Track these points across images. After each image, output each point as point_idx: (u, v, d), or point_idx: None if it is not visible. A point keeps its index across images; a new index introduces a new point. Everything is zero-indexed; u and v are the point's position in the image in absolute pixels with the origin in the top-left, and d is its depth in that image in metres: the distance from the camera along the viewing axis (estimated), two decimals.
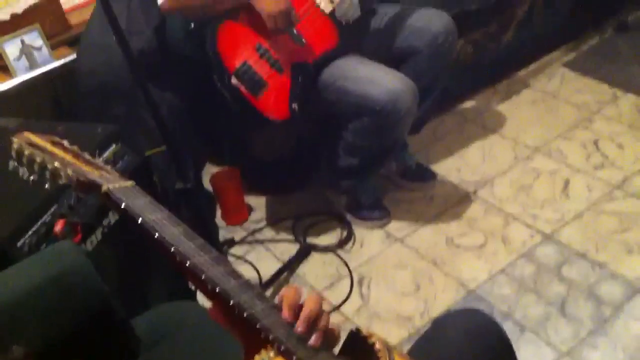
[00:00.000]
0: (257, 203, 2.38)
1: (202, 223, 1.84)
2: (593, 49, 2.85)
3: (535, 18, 2.72)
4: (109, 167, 0.96)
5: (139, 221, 0.84)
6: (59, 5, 2.18)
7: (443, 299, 1.92)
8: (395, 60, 2.18)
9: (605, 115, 2.51)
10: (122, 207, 0.85)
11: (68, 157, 0.94)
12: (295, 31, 1.97)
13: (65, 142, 0.99)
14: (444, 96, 2.34)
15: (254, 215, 2.34)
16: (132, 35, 2.04)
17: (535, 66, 2.81)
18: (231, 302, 0.78)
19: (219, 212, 2.31)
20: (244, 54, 1.96)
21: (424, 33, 2.14)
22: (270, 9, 1.89)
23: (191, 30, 2.03)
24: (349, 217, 2.27)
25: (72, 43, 2.17)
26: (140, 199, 0.88)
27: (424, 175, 2.38)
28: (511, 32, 2.68)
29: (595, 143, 2.38)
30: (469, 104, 2.70)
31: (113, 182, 0.89)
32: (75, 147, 0.98)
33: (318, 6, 1.98)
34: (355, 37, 2.09)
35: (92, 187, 0.89)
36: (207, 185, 2.30)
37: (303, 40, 1.98)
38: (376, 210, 2.27)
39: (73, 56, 2.10)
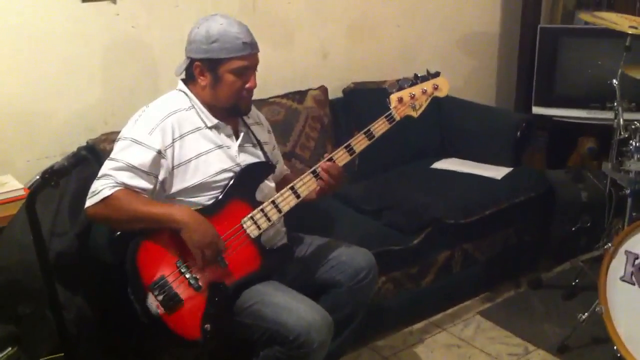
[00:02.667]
0: None
1: None
2: (508, 302, 2.95)
3: (455, 266, 2.84)
4: None
5: None
6: None
7: None
8: (315, 290, 2.21)
9: None
10: None
11: None
12: None
13: None
14: (361, 331, 2.34)
15: None
16: (55, 237, 2.03)
17: (452, 311, 2.88)
18: None
19: None
20: (163, 268, 1.94)
21: (346, 267, 2.20)
22: (197, 241, 1.93)
23: (115, 237, 2.03)
24: None
25: None
26: None
27: None
28: (431, 276, 2.78)
29: None
30: (385, 341, 2.69)
31: None
32: None
33: (244, 230, 2.03)
34: (278, 263, 2.13)
35: None
36: None
37: (225, 261, 2.00)
38: None
39: None
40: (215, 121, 2.10)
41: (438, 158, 3.29)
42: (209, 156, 2.06)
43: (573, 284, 2.92)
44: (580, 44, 3.62)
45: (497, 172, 3.07)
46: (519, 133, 3.22)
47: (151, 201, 1.98)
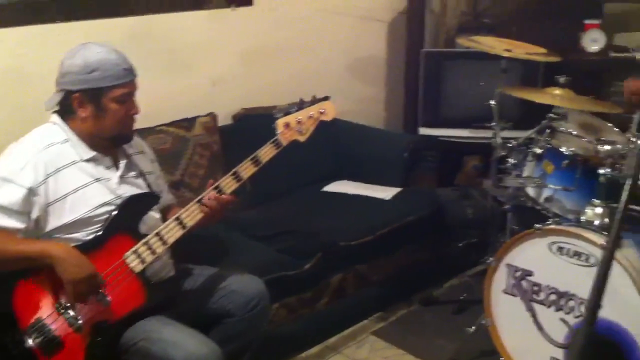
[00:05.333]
0: None
1: None
2: (401, 320, 3.01)
3: (348, 288, 2.87)
4: None
5: None
6: None
7: None
8: (207, 322, 2.17)
9: None
10: None
11: None
12: (100, 290, 1.93)
13: None
14: None
15: None
16: None
17: (347, 333, 2.90)
18: None
19: None
20: (41, 310, 1.87)
21: (237, 296, 2.18)
22: (71, 276, 1.86)
23: None
24: None
25: None
26: None
27: None
28: (325, 299, 2.79)
29: None
30: None
31: None
32: None
33: (127, 265, 1.98)
34: (164, 298, 2.07)
35: None
36: None
37: (108, 299, 1.93)
38: None
39: None
40: (92, 153, 2.04)
41: (331, 181, 3.33)
42: (86, 190, 1.99)
43: (461, 298, 3.02)
44: (462, 67, 3.77)
45: (387, 193, 3.15)
46: (406, 154, 3.32)
47: (24, 239, 1.90)
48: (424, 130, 3.80)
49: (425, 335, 2.88)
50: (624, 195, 1.39)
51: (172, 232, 2.04)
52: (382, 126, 4.09)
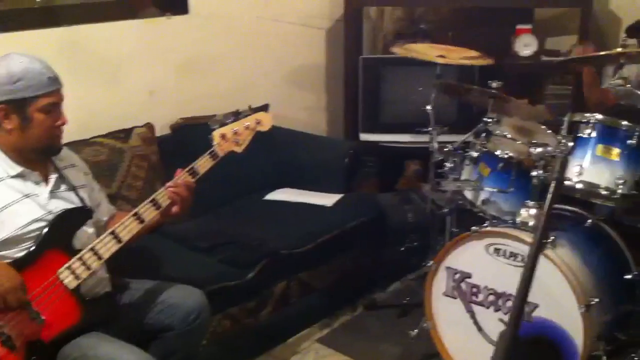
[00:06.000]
0: None
1: None
2: (345, 326, 3.01)
3: (292, 296, 2.87)
4: None
5: None
6: None
7: None
8: (146, 337, 2.13)
9: None
10: None
11: None
12: (33, 308, 1.87)
13: None
14: None
15: None
16: None
17: (291, 341, 2.89)
18: None
19: None
20: None
21: (176, 310, 2.15)
22: None
23: None
24: None
25: None
26: None
27: None
28: (269, 309, 2.78)
29: None
30: None
31: None
32: None
33: (61, 281, 1.92)
34: (100, 314, 2.03)
35: None
36: None
37: (42, 317, 1.88)
38: None
39: None
40: (20, 169, 1.98)
41: (273, 189, 3.32)
42: (15, 207, 1.94)
43: (404, 302, 3.05)
44: (400, 72, 3.82)
45: (329, 200, 3.15)
46: (347, 160, 3.34)
47: None
48: (364, 136, 3.83)
49: (370, 340, 2.90)
50: (549, 198, 1.43)
51: (107, 246, 1.99)
52: (323, 133, 4.11)
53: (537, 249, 1.48)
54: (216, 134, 2.19)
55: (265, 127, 2.31)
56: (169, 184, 2.09)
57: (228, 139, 2.20)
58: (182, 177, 2.10)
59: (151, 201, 2.05)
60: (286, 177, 3.42)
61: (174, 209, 2.09)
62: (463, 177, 2.73)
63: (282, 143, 3.42)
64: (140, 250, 2.35)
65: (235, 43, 3.53)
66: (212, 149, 2.16)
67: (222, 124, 2.22)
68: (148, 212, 2.04)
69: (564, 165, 1.47)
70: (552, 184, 1.45)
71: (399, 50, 3.12)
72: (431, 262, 2.58)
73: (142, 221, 2.03)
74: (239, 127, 2.23)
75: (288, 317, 2.89)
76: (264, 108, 3.18)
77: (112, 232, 2.00)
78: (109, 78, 3.03)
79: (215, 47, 3.44)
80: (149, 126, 3.04)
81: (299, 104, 3.96)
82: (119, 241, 2.00)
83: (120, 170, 2.82)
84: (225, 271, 2.64)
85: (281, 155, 3.43)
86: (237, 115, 2.26)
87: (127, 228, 2.02)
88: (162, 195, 2.07)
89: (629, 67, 2.64)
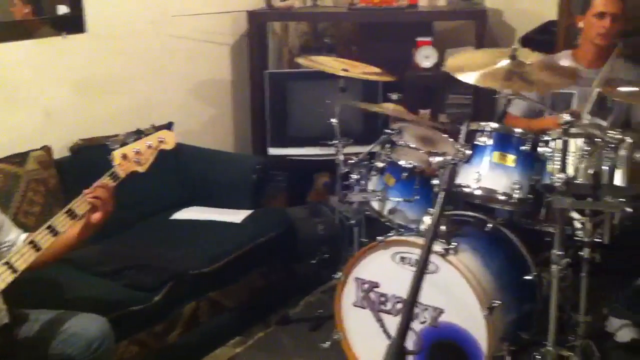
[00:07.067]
0: None
1: None
2: (259, 343, 2.97)
3: (202, 316, 2.82)
4: None
5: None
6: None
7: None
8: None
9: None
10: None
11: None
12: None
13: None
14: None
15: None
16: None
17: None
18: None
19: None
20: None
21: (77, 339, 2.07)
22: None
23: None
24: None
25: None
26: None
27: None
28: (178, 331, 2.72)
29: None
30: None
31: None
32: None
33: None
34: None
35: None
36: None
37: None
38: None
39: None
40: None
41: (180, 209, 3.26)
42: None
43: (317, 315, 3.05)
44: (306, 86, 3.86)
45: (238, 216, 3.13)
46: (255, 175, 3.32)
47: None
48: (273, 151, 3.83)
49: (284, 355, 2.88)
50: (437, 207, 1.46)
51: (2, 277, 1.90)
52: (232, 149, 4.08)
53: (426, 257, 1.50)
54: (117, 154, 2.14)
55: (168, 145, 2.27)
56: (85, 191, 2.01)
57: (129, 159, 2.14)
58: (98, 182, 2.03)
59: (66, 212, 1.97)
60: (194, 195, 3.37)
61: (95, 216, 2.03)
62: (370, 188, 2.77)
63: (189, 161, 3.37)
64: (40, 278, 2.25)
65: (136, 61, 3.46)
66: (112, 170, 2.11)
67: (123, 144, 2.17)
68: (63, 224, 1.97)
69: (452, 175, 1.51)
70: (440, 195, 1.48)
71: (304, 62, 3.14)
72: (340, 274, 2.59)
73: (56, 233, 1.96)
74: (140, 146, 2.18)
75: (199, 338, 2.83)
76: (168, 126, 3.13)
77: (7, 263, 1.90)
78: (2, 100, 2.91)
79: (115, 66, 3.36)
80: (46, 149, 2.92)
81: (205, 121, 3.92)
82: (14, 271, 1.90)
83: (16, 196, 2.71)
84: (131, 296, 2.56)
85: (188, 173, 3.38)
86: (139, 135, 2.21)
87: (23, 256, 1.92)
88: (79, 204, 2.00)
89: None
